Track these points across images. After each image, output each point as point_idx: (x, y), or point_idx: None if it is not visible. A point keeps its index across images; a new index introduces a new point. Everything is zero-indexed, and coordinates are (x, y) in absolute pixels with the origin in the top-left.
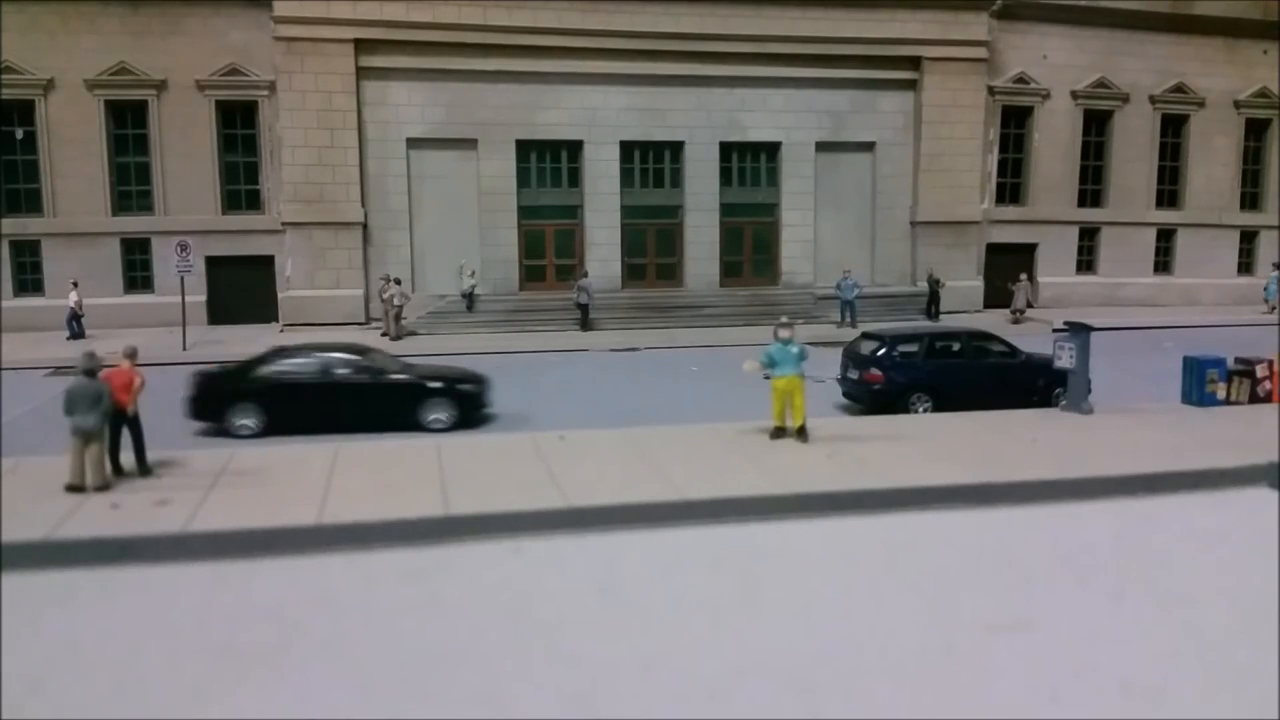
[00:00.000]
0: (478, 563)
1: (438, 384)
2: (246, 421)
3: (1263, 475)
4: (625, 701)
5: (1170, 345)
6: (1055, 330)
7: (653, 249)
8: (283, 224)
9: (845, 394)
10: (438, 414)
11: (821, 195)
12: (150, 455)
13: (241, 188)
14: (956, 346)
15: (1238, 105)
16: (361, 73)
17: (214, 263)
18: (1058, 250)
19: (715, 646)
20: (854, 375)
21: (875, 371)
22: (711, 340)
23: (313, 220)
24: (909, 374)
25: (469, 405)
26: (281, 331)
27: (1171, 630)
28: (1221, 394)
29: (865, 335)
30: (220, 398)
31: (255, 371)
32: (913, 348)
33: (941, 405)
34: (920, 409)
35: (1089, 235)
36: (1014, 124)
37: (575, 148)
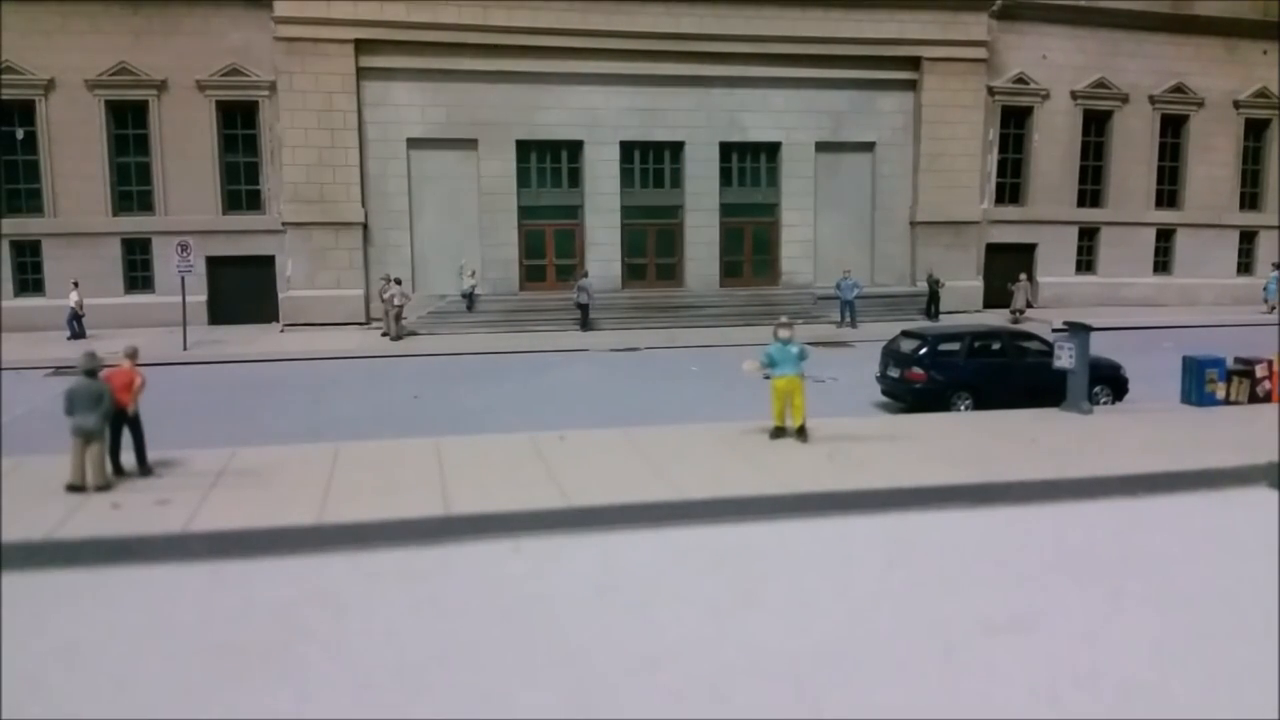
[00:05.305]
0: (478, 563)
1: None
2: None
3: (1263, 475)
4: (625, 701)
5: (1170, 345)
6: (1055, 330)
7: (653, 249)
8: (283, 224)
9: (885, 392)
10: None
11: (821, 195)
12: (150, 455)
13: (242, 188)
14: (997, 345)
15: (1237, 105)
16: (362, 73)
17: (214, 263)
18: (1057, 250)
19: (715, 646)
20: (895, 374)
21: (917, 370)
22: (711, 340)
23: (313, 220)
24: (951, 373)
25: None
26: (282, 332)
27: (1171, 630)
28: (1221, 394)
29: (905, 334)
30: None
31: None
32: (954, 346)
33: (982, 404)
34: (961, 407)
35: (1089, 235)
36: (1014, 124)
37: (575, 148)
